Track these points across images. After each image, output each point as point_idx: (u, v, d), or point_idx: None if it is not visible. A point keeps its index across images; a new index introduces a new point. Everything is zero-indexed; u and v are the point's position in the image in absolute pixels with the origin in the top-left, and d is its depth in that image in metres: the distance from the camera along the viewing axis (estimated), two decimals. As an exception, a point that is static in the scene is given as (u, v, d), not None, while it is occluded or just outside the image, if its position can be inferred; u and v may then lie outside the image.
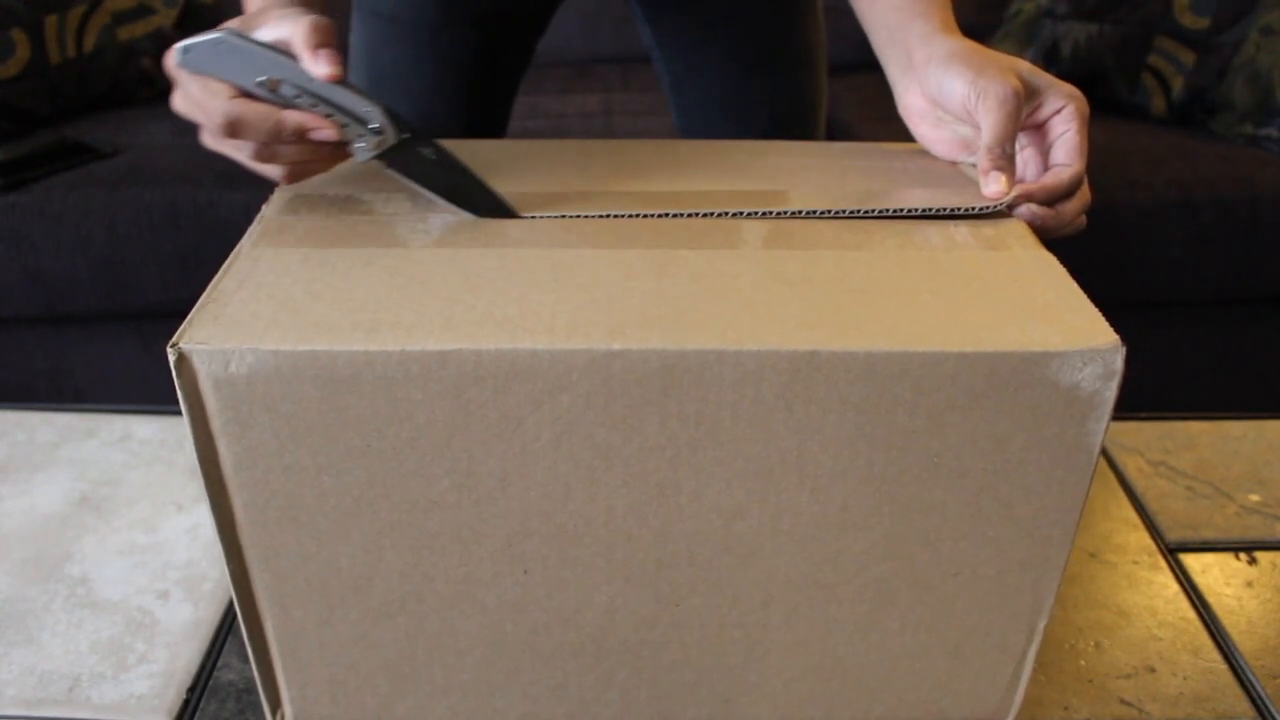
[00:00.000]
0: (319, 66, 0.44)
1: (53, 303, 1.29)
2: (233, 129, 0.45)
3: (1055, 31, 1.50)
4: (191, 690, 0.52)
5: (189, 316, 0.39)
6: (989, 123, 0.50)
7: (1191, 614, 0.58)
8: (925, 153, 0.57)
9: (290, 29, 0.45)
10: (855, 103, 1.53)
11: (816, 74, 0.89)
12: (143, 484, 0.66)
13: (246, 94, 0.45)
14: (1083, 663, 0.54)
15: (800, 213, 0.48)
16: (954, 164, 0.55)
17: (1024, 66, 0.52)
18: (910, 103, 0.57)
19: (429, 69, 0.83)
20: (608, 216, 0.47)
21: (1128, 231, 1.30)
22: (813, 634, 0.45)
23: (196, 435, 0.39)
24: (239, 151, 0.47)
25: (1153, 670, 0.54)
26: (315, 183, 0.50)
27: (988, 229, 0.47)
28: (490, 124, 0.89)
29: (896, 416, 0.39)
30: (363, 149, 0.46)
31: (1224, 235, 1.30)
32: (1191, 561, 0.61)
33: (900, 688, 0.47)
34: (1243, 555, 0.62)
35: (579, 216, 0.47)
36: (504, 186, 0.51)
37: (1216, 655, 0.55)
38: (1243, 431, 0.73)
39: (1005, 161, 0.50)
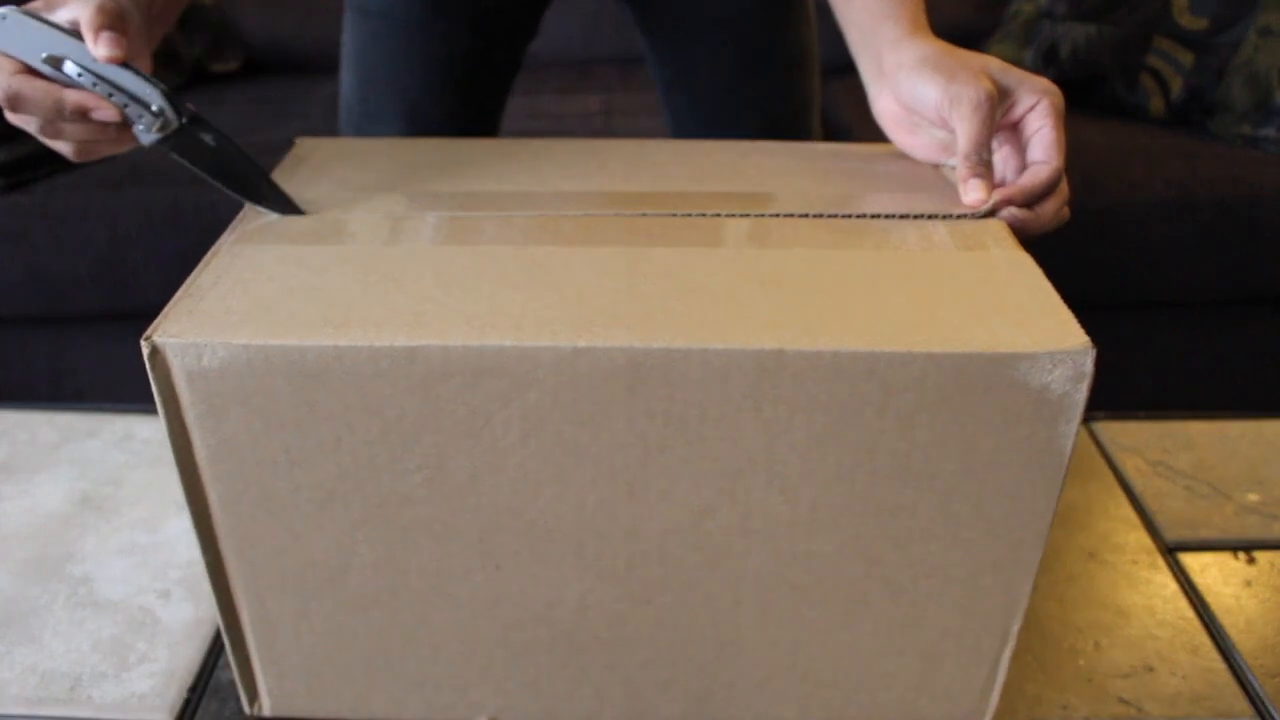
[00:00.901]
0: (99, 47, 0.45)
1: (54, 303, 1.29)
2: (14, 104, 0.46)
3: (1054, 32, 1.50)
4: (193, 689, 0.52)
5: (164, 310, 0.40)
6: (963, 129, 0.50)
7: (1190, 613, 0.58)
8: (907, 155, 0.57)
9: (80, 10, 0.46)
10: (855, 103, 1.53)
11: (808, 74, 0.89)
12: (144, 484, 0.67)
13: (35, 71, 0.46)
14: (1082, 662, 0.54)
15: (778, 215, 0.48)
16: (935, 167, 0.55)
17: (995, 65, 0.52)
18: (884, 108, 0.57)
19: (419, 67, 0.83)
20: (586, 215, 0.47)
21: (1127, 231, 1.30)
22: (785, 634, 0.46)
23: (171, 427, 0.40)
24: (28, 125, 0.48)
25: (1151, 669, 0.54)
26: (299, 181, 0.51)
27: (966, 228, 0.47)
28: (482, 123, 0.89)
29: (865, 417, 0.39)
30: (144, 131, 0.47)
31: (1223, 235, 1.30)
32: (1190, 561, 0.62)
33: (874, 689, 0.48)
34: (1241, 555, 0.62)
35: (558, 215, 0.47)
36: (482, 184, 0.51)
37: (1215, 654, 0.55)
38: (1241, 431, 0.73)
39: (983, 168, 0.49)
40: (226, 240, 0.46)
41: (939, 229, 0.47)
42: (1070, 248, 1.27)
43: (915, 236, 0.46)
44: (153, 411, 0.75)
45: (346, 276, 0.42)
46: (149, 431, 0.72)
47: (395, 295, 0.40)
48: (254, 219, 0.47)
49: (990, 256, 0.44)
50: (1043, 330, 0.39)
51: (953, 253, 0.45)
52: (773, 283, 0.42)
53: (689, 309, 0.40)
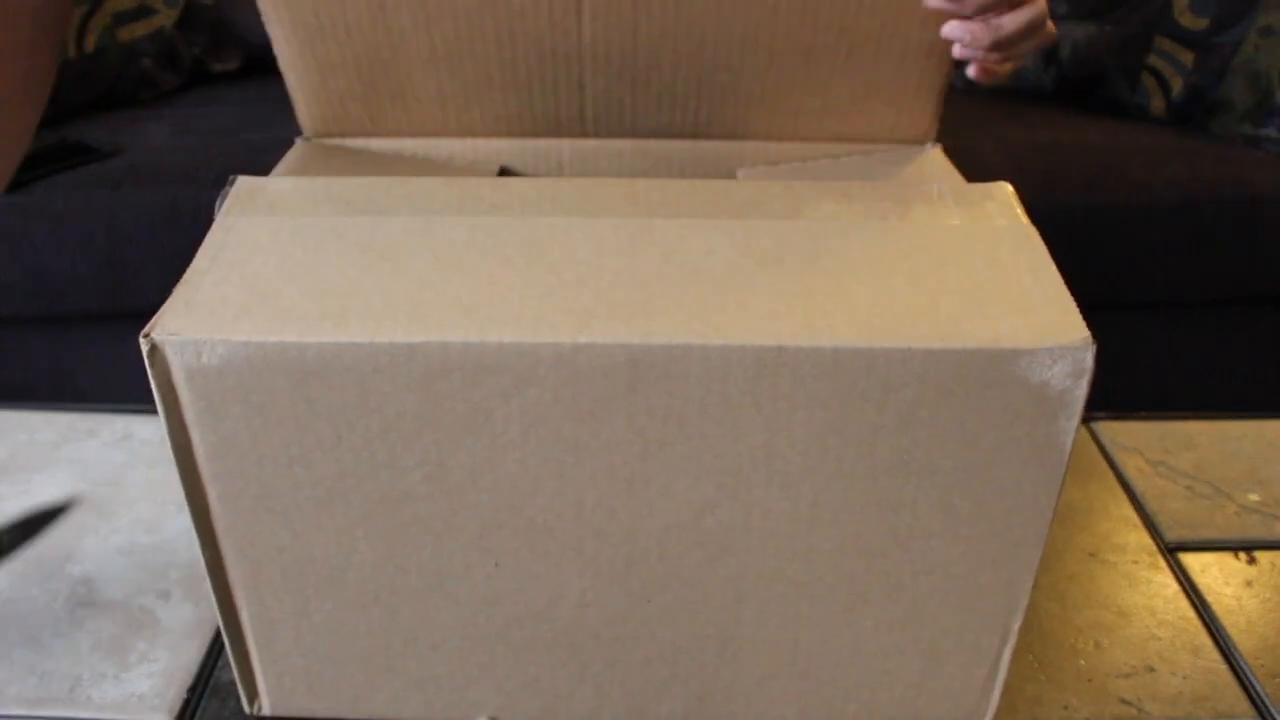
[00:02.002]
0: None
1: (53, 303, 1.29)
2: None
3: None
4: (192, 689, 0.52)
5: (164, 306, 0.39)
6: None
7: (1191, 613, 0.58)
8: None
9: None
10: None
11: None
12: (144, 483, 0.66)
13: None
14: (1082, 662, 0.54)
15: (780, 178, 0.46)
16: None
17: None
18: None
19: None
20: (584, 181, 0.46)
21: (1128, 231, 1.30)
22: (785, 632, 0.45)
23: (170, 425, 0.40)
24: None
25: (1152, 670, 0.54)
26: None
27: (973, 195, 0.46)
28: None
29: (865, 413, 0.39)
30: None
31: (1224, 235, 1.30)
32: (1191, 561, 0.62)
33: (874, 687, 0.47)
34: (1242, 555, 0.62)
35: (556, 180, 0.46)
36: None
37: (1216, 655, 0.55)
38: (1242, 431, 0.73)
39: None
40: (219, 209, 0.44)
41: (945, 195, 0.46)
42: (1071, 248, 1.27)
43: (921, 204, 0.45)
44: (152, 411, 0.75)
45: (342, 256, 0.41)
46: (148, 431, 0.72)
47: (392, 279, 0.40)
48: (248, 186, 0.46)
49: (995, 228, 0.43)
50: (1044, 322, 0.38)
51: (957, 223, 0.44)
52: (773, 264, 0.41)
53: (689, 298, 0.39)
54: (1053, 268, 0.41)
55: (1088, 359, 0.38)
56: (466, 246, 0.42)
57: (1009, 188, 0.46)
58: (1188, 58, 1.38)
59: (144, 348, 0.38)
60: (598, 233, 0.43)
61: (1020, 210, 0.45)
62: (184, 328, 0.38)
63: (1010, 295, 0.40)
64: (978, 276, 0.41)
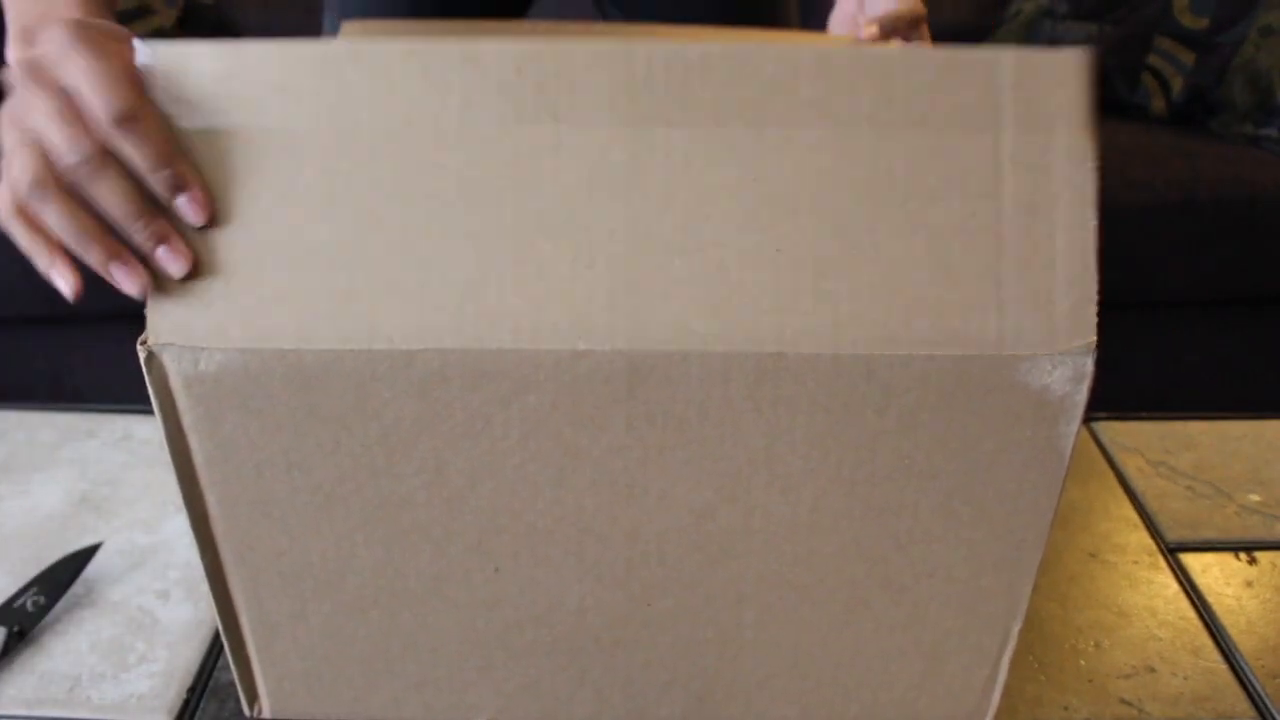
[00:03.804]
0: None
1: (53, 303, 1.29)
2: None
3: (1055, 31, 1.50)
4: (192, 690, 0.52)
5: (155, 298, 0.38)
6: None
7: (1191, 614, 0.58)
8: None
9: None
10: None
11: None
12: (143, 484, 0.66)
13: None
14: (1083, 662, 0.54)
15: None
16: None
17: None
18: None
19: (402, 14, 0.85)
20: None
21: (1128, 231, 1.30)
22: (786, 634, 0.45)
23: (168, 431, 0.40)
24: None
25: (1153, 670, 0.54)
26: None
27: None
28: None
29: (866, 418, 0.39)
30: None
31: (1224, 235, 1.30)
32: (1191, 561, 0.61)
33: (875, 689, 0.47)
34: (1243, 555, 0.62)
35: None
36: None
37: (1216, 655, 0.55)
38: (1243, 431, 0.73)
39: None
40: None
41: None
42: (1071, 247, 1.27)
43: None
44: (151, 412, 0.75)
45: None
46: (147, 431, 0.72)
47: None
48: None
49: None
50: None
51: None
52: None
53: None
54: None
55: (1088, 364, 0.38)
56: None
57: None
58: (1188, 57, 1.38)
59: (141, 355, 0.38)
60: (595, 158, 0.38)
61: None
62: (180, 334, 0.38)
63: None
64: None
